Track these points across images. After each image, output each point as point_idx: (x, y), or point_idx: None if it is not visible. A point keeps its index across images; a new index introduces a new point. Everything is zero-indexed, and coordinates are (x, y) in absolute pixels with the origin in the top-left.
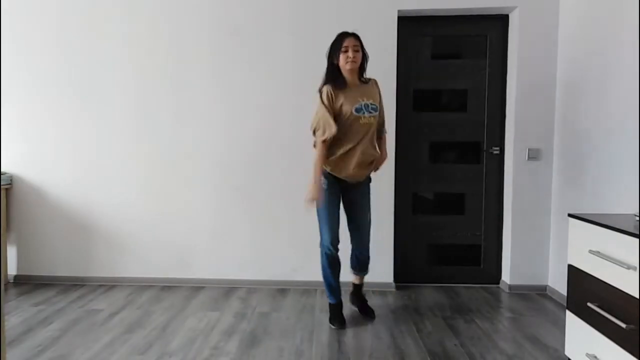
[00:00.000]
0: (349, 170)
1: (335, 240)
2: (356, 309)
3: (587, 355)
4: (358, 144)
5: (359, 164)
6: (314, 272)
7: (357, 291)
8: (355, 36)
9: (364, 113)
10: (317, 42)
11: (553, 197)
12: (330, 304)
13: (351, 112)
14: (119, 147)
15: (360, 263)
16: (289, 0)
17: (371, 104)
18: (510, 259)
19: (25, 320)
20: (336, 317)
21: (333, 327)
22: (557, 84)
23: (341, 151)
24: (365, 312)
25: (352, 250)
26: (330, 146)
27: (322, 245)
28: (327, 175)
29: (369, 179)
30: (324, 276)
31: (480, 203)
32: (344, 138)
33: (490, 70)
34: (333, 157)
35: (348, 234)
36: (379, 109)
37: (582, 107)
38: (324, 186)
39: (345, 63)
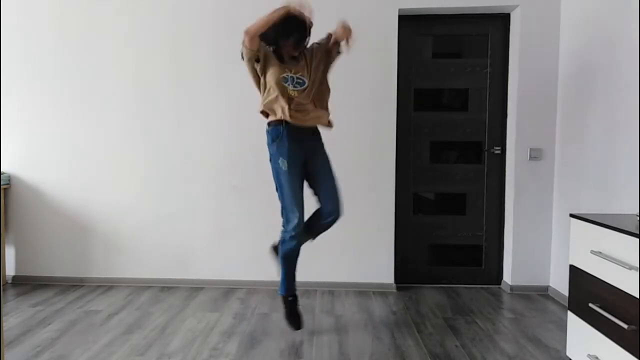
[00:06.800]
0: (302, 120)
1: (302, 222)
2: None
3: (589, 356)
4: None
5: (309, 119)
6: (314, 273)
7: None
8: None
9: (289, 85)
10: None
11: (555, 197)
12: (286, 297)
13: (278, 75)
14: (118, 147)
15: (324, 228)
16: (289, 0)
17: (298, 77)
18: (512, 260)
19: (24, 321)
20: (292, 314)
21: (292, 328)
22: (558, 83)
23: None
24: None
25: (318, 214)
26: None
27: (286, 229)
28: (285, 152)
29: (320, 139)
30: (288, 264)
31: (481, 203)
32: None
33: (492, 70)
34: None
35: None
36: (309, 82)
37: (583, 106)
38: (283, 167)
39: (293, 51)
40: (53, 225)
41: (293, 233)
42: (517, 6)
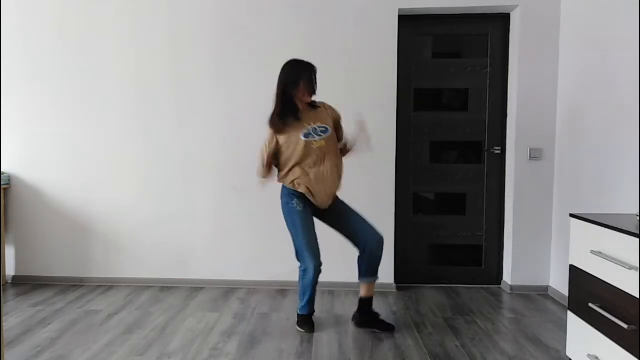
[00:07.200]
0: (322, 196)
1: (319, 260)
2: (371, 329)
3: (589, 356)
4: (319, 165)
5: (328, 191)
6: None
7: (368, 306)
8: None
9: (313, 137)
10: (318, 41)
11: (554, 197)
12: (303, 315)
13: (299, 139)
14: (118, 147)
15: (373, 262)
16: (289, 0)
17: (319, 126)
18: (512, 260)
19: (24, 321)
20: (307, 322)
21: (302, 330)
22: (558, 83)
23: (310, 174)
24: (384, 327)
25: (362, 252)
26: (294, 172)
27: (303, 268)
28: (300, 197)
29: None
30: (310, 290)
31: (481, 203)
32: (302, 162)
33: (492, 70)
34: (305, 179)
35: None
36: (331, 129)
37: (583, 106)
38: (298, 207)
39: (306, 95)
40: (53, 225)
41: (312, 272)
42: (517, 6)
